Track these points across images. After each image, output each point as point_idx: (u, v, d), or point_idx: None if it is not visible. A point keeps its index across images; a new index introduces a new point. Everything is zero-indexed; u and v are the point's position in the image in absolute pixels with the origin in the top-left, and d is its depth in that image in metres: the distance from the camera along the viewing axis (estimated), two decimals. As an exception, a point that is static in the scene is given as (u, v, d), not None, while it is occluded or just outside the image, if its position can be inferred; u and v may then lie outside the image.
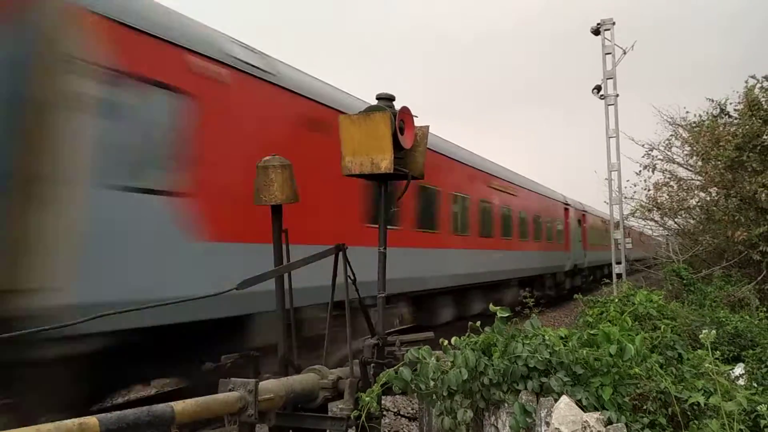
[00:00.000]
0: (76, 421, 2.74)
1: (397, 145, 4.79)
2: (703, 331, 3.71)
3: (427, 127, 5.37)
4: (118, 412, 3.01)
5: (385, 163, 4.75)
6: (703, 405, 3.63)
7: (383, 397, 4.73)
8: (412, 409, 7.55)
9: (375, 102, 5.08)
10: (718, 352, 5.39)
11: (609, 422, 3.49)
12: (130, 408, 3.13)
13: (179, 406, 3.28)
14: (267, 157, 5.06)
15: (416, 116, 5.12)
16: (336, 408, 4.57)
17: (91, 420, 2.81)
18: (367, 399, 4.16)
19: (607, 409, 3.61)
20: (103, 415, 2.92)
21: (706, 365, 3.90)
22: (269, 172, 4.93)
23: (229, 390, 3.74)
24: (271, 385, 4.14)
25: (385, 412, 5.85)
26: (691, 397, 3.64)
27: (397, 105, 5.05)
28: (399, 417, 6.54)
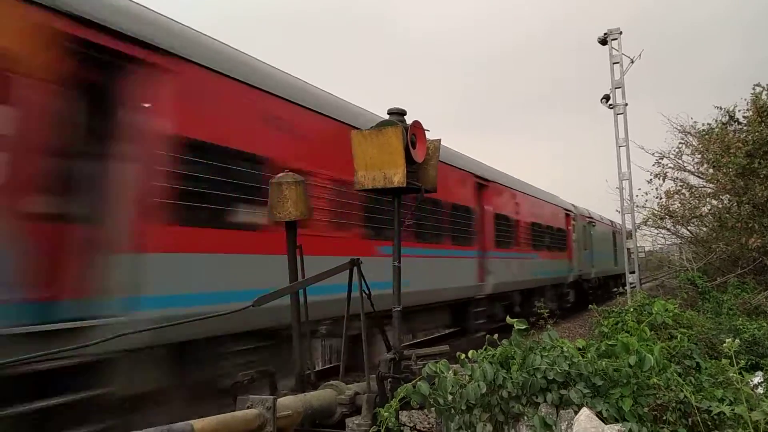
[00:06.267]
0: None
1: (409, 159, 4.81)
2: (726, 341, 3.68)
3: (439, 140, 5.38)
4: None
5: (398, 177, 4.77)
6: (724, 415, 3.60)
7: (399, 411, 4.71)
8: (429, 424, 7.49)
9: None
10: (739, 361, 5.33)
11: (630, 433, 3.46)
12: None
13: (199, 424, 3.29)
14: (281, 174, 5.10)
15: (428, 130, 5.13)
16: (353, 423, 4.54)
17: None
18: (386, 414, 4.14)
19: (628, 421, 3.59)
20: (124, 434, 2.95)
21: (730, 374, 3.86)
22: (283, 189, 4.96)
23: (248, 407, 3.74)
24: (289, 402, 4.15)
25: (402, 427, 5.82)
26: (716, 406, 3.60)
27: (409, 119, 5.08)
28: (416, 432, 6.48)
